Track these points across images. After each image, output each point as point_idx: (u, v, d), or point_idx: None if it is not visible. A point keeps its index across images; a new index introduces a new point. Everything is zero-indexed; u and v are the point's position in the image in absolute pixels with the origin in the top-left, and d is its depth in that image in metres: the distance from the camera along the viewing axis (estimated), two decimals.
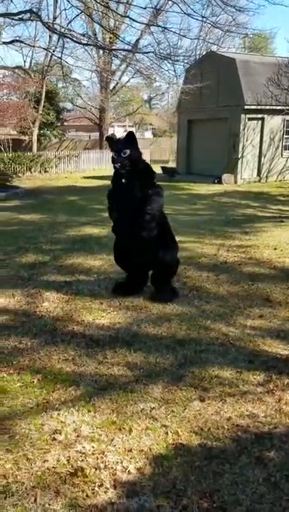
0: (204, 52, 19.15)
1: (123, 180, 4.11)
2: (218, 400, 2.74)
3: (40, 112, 23.25)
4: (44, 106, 23.85)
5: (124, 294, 4.41)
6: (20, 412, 2.64)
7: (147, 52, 9.87)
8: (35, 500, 2.00)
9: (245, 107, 15.07)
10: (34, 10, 10.98)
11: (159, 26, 11.44)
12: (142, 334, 3.63)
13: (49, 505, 1.98)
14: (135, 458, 2.25)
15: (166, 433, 2.43)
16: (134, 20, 9.81)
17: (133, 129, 41.54)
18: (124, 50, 10.93)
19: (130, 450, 2.30)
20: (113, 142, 4.20)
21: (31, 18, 10.47)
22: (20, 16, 9.93)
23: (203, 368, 3.10)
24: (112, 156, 4.08)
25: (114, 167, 4.10)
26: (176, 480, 2.12)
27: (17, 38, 16.45)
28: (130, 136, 4.15)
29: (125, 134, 4.22)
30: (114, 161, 4.06)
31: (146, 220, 4.06)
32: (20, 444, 2.37)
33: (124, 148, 3.99)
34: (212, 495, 2.03)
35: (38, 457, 2.27)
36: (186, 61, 11.22)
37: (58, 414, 2.60)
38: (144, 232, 4.09)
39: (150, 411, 2.61)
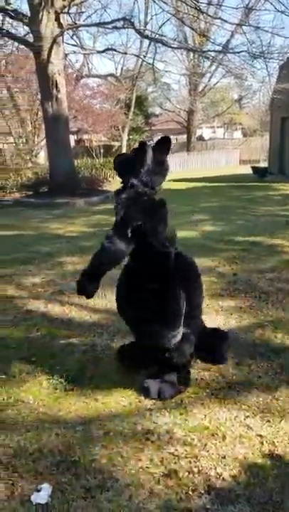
0: None
1: None
2: None
3: (130, 117, 23.87)
4: (133, 111, 24.46)
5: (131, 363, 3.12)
6: (114, 409, 2.71)
7: (240, 52, 9.72)
8: (130, 497, 2.04)
9: None
10: (127, 17, 11.30)
11: (252, 26, 11.19)
12: (233, 340, 3.54)
13: (143, 504, 2.01)
14: (229, 465, 2.21)
15: (262, 443, 2.35)
16: (225, 21, 9.72)
17: (221, 130, 40.88)
18: (216, 51, 10.85)
19: (224, 457, 2.26)
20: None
21: (124, 25, 10.79)
22: (114, 25, 10.29)
23: None
24: None
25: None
26: (272, 491, 2.04)
27: (110, 47, 17.03)
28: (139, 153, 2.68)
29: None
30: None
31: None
32: (114, 440, 2.43)
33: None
34: None
35: (132, 455, 2.31)
36: (280, 58, 10.86)
37: (150, 415, 2.63)
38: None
39: (244, 419, 2.55)
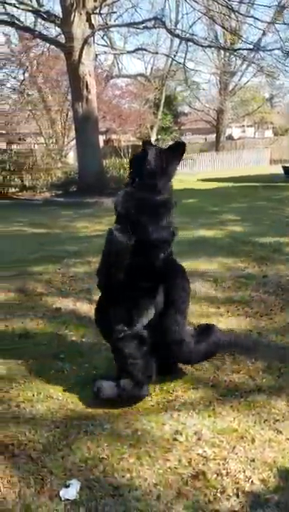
0: None
1: None
2: None
3: (159, 117, 23.88)
4: (162, 111, 24.46)
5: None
6: (141, 408, 2.72)
7: (272, 50, 9.58)
8: (158, 497, 2.04)
9: None
10: (158, 17, 11.31)
11: (285, 24, 11.02)
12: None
13: (171, 504, 2.01)
14: (258, 468, 2.18)
15: None
16: (257, 19, 9.61)
17: (251, 129, 40.41)
18: (248, 49, 10.72)
19: (253, 460, 2.24)
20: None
21: (155, 25, 10.80)
22: (145, 25, 10.31)
23: None
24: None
25: None
26: None
27: (140, 46, 17.07)
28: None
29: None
30: None
31: None
32: (142, 440, 2.44)
33: None
34: None
35: (160, 455, 2.31)
36: None
37: (178, 416, 2.63)
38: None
39: (274, 423, 2.51)
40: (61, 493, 2.09)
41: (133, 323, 2.70)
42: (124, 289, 2.70)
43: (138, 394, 2.75)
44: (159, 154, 2.69)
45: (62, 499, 2.06)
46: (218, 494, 2.04)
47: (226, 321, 3.93)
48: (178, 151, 2.79)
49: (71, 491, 2.09)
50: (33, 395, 2.89)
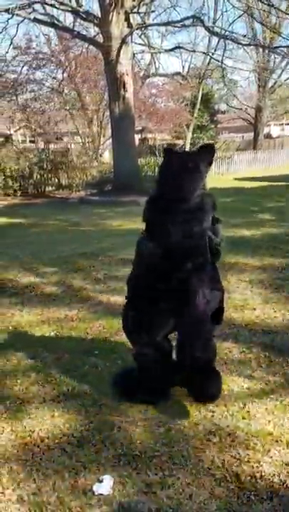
0: None
1: None
2: None
3: (195, 115, 23.71)
4: (199, 109, 24.27)
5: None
6: (175, 407, 2.71)
7: None
8: (191, 497, 2.03)
9: None
10: (197, 15, 11.24)
11: None
12: None
13: (204, 504, 2.00)
14: None
15: None
16: None
17: None
18: (287, 47, 10.50)
19: (288, 464, 2.20)
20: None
21: (194, 23, 10.74)
22: (183, 23, 10.27)
23: None
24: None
25: None
26: None
27: (178, 45, 17.00)
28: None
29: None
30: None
31: None
32: (175, 439, 2.44)
33: None
34: None
35: (192, 455, 2.30)
36: None
37: (212, 416, 2.61)
38: None
39: None
40: (94, 487, 2.12)
41: (152, 334, 2.65)
42: (144, 293, 2.64)
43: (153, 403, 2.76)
44: (185, 159, 2.60)
45: (96, 494, 2.09)
46: (252, 497, 2.02)
47: (262, 323, 3.87)
48: (208, 152, 2.66)
49: (104, 486, 2.12)
50: (68, 390, 2.94)
